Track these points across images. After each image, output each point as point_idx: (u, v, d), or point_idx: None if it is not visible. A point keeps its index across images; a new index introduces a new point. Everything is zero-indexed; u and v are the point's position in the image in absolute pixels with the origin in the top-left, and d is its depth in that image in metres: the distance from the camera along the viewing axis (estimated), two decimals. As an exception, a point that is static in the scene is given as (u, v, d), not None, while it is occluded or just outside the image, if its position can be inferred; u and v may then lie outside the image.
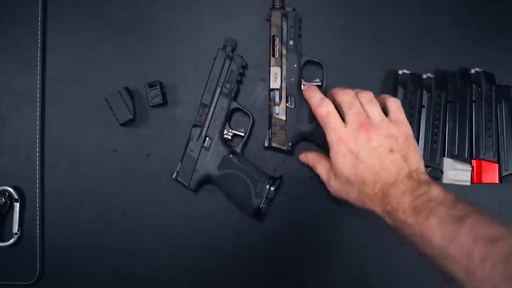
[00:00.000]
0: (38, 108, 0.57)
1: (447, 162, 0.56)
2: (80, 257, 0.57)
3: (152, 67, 0.58)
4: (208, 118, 0.55)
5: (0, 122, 0.58)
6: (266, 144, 0.55)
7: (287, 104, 0.54)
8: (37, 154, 0.57)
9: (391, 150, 0.45)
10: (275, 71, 0.55)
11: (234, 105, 0.56)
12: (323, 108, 0.48)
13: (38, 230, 0.56)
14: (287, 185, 0.57)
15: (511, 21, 0.60)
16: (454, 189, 0.56)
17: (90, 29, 0.59)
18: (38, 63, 0.58)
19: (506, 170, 0.56)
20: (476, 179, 0.56)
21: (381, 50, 0.59)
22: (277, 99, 0.54)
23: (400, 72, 0.58)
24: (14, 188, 0.56)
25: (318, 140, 0.55)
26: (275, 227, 0.57)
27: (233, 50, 0.56)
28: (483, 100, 0.57)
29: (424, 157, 0.55)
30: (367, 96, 0.48)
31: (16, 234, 0.56)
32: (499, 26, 0.60)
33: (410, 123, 0.55)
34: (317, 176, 0.51)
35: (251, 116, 0.56)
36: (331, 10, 0.60)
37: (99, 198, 0.57)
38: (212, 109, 0.55)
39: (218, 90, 0.55)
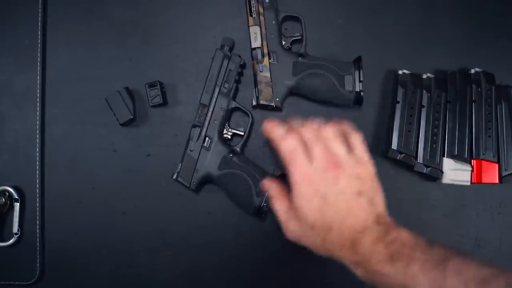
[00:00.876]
0: (38, 108, 0.57)
1: (447, 162, 0.56)
2: (80, 257, 0.57)
3: (152, 67, 0.58)
4: (208, 118, 0.55)
5: (0, 122, 0.58)
6: (254, 103, 0.56)
7: (270, 60, 0.55)
8: (37, 154, 0.57)
9: (359, 193, 0.41)
10: (254, 30, 0.56)
11: (233, 104, 0.56)
12: (289, 143, 0.43)
13: (38, 230, 0.56)
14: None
15: (511, 21, 0.60)
16: (454, 189, 0.56)
17: (90, 29, 0.59)
18: (38, 63, 0.58)
19: (506, 170, 0.56)
20: (476, 179, 0.56)
21: (381, 50, 0.59)
22: (259, 57, 0.55)
23: (400, 72, 0.58)
24: (14, 188, 0.56)
25: (304, 92, 0.56)
26: (275, 227, 0.57)
27: (231, 49, 0.57)
28: (483, 100, 0.57)
29: (424, 157, 0.55)
30: (330, 132, 0.43)
31: (16, 234, 0.56)
32: (499, 27, 0.60)
33: (410, 123, 0.56)
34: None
35: (250, 115, 0.56)
36: (331, 10, 0.60)
37: (99, 198, 0.57)
38: (211, 109, 0.55)
39: (217, 90, 0.55)
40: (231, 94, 0.56)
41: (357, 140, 0.44)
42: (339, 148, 0.43)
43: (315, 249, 0.43)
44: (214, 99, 0.55)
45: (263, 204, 0.53)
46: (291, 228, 0.43)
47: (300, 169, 0.42)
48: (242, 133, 0.56)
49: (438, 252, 0.36)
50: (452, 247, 0.37)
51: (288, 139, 0.43)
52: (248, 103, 0.57)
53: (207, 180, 0.55)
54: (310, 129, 0.44)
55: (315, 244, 0.42)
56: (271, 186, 0.46)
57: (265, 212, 0.53)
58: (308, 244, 0.43)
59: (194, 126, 0.55)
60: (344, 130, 0.45)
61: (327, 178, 0.41)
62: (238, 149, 0.55)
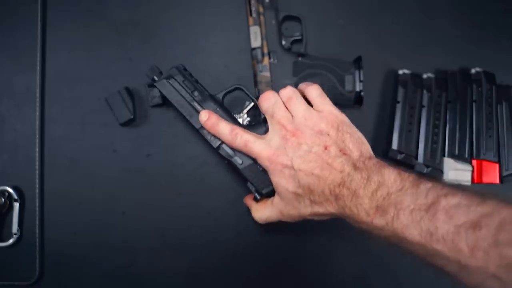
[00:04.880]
0: (38, 108, 0.57)
1: (448, 162, 0.56)
2: (80, 257, 0.56)
3: (152, 67, 0.58)
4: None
5: (0, 122, 0.58)
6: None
7: (270, 60, 0.55)
8: (37, 154, 0.56)
9: (326, 147, 0.41)
10: (254, 30, 0.56)
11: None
12: (238, 140, 0.45)
13: (37, 230, 0.56)
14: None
15: (511, 21, 0.60)
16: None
17: (90, 29, 0.59)
18: (38, 63, 0.57)
19: (506, 170, 0.56)
20: (477, 179, 0.56)
21: (381, 50, 0.59)
22: (259, 57, 0.55)
23: (400, 72, 0.58)
24: (14, 188, 0.56)
25: None
26: (275, 227, 0.57)
27: None
28: (483, 100, 0.57)
29: (424, 157, 0.55)
30: (287, 93, 0.45)
31: (15, 234, 0.56)
32: (500, 26, 0.60)
33: (410, 123, 0.56)
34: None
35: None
36: (331, 10, 0.60)
37: (99, 198, 0.57)
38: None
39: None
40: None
41: (314, 93, 0.45)
42: (297, 108, 0.43)
43: (308, 217, 0.44)
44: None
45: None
46: (282, 209, 0.45)
47: (261, 155, 0.43)
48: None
49: (426, 194, 0.35)
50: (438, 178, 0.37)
51: (235, 137, 0.45)
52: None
53: None
54: (267, 98, 0.45)
55: (306, 212, 0.43)
56: (247, 199, 0.52)
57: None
58: (299, 215, 0.44)
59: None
60: (301, 87, 0.46)
61: (288, 147, 0.42)
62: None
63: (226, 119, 0.47)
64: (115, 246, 0.56)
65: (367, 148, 0.43)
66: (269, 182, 0.45)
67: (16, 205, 0.56)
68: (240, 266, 0.57)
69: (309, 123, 0.42)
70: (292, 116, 0.43)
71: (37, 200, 0.56)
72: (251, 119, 0.51)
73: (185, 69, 0.52)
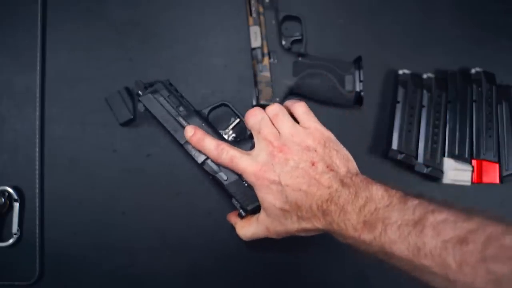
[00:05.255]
0: (38, 108, 0.57)
1: (448, 162, 0.56)
2: (79, 257, 0.56)
3: (152, 67, 0.58)
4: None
5: (0, 122, 0.58)
6: (254, 102, 0.56)
7: (270, 60, 0.55)
8: (37, 154, 0.56)
9: (313, 163, 0.41)
10: (254, 30, 0.56)
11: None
12: (223, 156, 0.45)
13: (37, 230, 0.56)
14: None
15: (511, 21, 0.60)
16: (455, 189, 0.56)
17: (90, 29, 0.59)
18: (38, 63, 0.57)
19: (506, 170, 0.56)
20: (477, 179, 0.56)
21: (381, 50, 0.59)
22: (259, 57, 0.55)
23: (400, 72, 0.58)
24: (14, 188, 0.56)
25: (304, 92, 0.56)
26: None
27: None
28: (483, 100, 0.57)
29: (424, 157, 0.55)
30: (273, 109, 0.45)
31: (15, 234, 0.56)
32: (500, 26, 0.60)
33: (410, 123, 0.56)
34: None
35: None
36: (331, 10, 0.60)
37: (99, 198, 0.57)
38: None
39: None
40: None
41: (300, 110, 0.45)
42: (283, 125, 0.44)
43: (295, 233, 0.44)
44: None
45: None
46: (269, 225, 0.45)
47: (247, 171, 0.43)
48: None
49: (413, 210, 0.35)
50: (424, 195, 0.37)
51: (221, 152, 0.45)
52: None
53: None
54: (254, 115, 0.45)
55: (293, 228, 0.43)
56: (230, 216, 0.52)
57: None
58: (286, 231, 0.44)
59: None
60: (287, 104, 0.47)
61: (276, 163, 0.42)
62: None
63: (211, 135, 0.47)
64: (115, 246, 0.56)
65: (353, 165, 0.43)
66: (254, 198, 0.45)
67: (16, 205, 0.56)
68: (239, 266, 0.57)
69: (296, 139, 0.43)
70: (279, 132, 0.44)
71: (37, 200, 0.56)
72: (236, 135, 0.51)
73: (170, 84, 0.52)
